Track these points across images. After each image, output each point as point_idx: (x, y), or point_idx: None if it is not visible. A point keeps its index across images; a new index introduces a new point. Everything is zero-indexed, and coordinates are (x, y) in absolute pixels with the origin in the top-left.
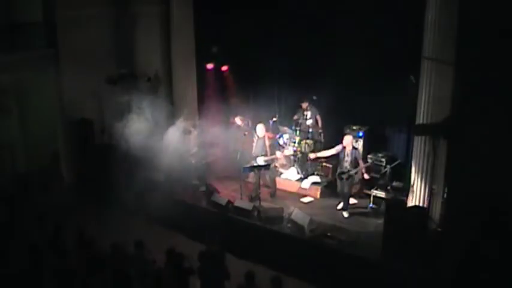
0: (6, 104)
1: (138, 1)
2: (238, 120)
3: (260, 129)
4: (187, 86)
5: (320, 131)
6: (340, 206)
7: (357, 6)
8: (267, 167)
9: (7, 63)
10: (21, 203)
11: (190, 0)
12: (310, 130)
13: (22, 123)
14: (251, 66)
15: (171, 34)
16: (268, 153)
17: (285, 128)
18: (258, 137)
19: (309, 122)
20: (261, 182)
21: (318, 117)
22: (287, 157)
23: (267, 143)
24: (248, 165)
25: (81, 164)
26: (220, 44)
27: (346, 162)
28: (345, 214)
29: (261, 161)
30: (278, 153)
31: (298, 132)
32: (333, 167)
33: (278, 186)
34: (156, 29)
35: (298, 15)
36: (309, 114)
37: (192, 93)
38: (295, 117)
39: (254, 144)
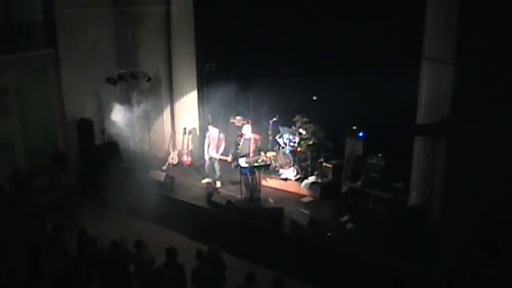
0: (6, 104)
1: (138, 1)
2: (237, 120)
3: (247, 130)
4: (187, 86)
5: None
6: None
7: (357, 6)
8: (266, 167)
9: (7, 63)
10: (21, 203)
11: (190, 0)
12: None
13: (22, 123)
14: (251, 66)
15: (171, 34)
16: (251, 155)
17: (285, 128)
18: (244, 137)
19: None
20: (261, 182)
21: None
22: (285, 157)
23: (252, 145)
24: (247, 165)
25: (81, 164)
26: (220, 44)
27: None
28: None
29: (242, 162)
30: (263, 154)
31: (297, 132)
32: (333, 166)
33: (278, 186)
34: (156, 29)
35: (299, 15)
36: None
37: (192, 93)
38: (295, 118)
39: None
